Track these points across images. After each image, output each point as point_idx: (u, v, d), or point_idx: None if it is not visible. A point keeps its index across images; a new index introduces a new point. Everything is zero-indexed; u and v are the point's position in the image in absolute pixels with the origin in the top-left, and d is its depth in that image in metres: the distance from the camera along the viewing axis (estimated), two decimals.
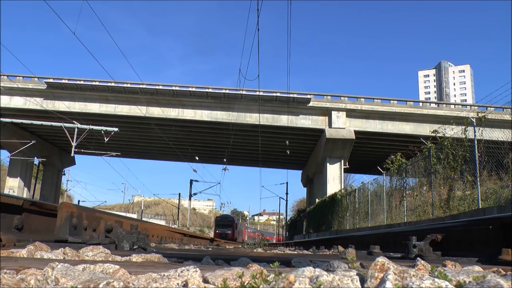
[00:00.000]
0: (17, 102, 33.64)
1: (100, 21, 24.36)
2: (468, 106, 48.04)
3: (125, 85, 33.36)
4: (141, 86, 33.00)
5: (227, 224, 49.86)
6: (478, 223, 5.25)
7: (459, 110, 33.53)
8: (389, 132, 33.79)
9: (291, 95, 33.01)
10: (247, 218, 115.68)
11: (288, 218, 59.47)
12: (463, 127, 12.37)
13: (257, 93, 32.13)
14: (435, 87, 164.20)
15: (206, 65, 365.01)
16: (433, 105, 37.55)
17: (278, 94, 33.36)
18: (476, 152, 11.26)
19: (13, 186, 38.00)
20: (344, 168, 34.28)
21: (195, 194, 51.36)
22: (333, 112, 33.76)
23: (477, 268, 2.15)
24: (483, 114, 12.03)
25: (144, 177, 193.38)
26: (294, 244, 17.92)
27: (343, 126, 33.56)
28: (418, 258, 2.10)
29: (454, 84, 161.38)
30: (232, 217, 54.81)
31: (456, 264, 2.56)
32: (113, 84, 32.85)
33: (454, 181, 12.73)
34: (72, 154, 27.63)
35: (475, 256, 4.43)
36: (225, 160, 41.23)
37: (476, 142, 11.37)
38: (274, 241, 46.94)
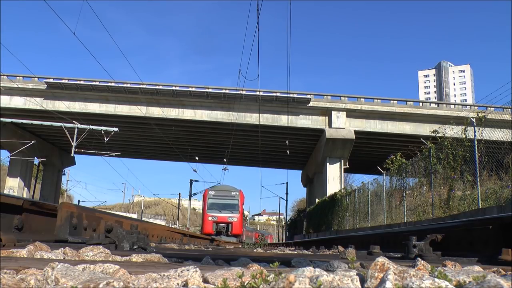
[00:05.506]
0: (17, 102, 33.65)
1: (100, 21, 24.36)
2: (468, 106, 48.03)
3: (125, 85, 33.37)
4: (141, 86, 33.02)
5: (229, 204, 28.89)
6: (478, 223, 5.25)
7: (459, 110, 33.53)
8: (389, 132, 33.80)
9: (291, 95, 33.01)
10: (247, 218, 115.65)
11: (288, 218, 59.44)
12: (463, 127, 12.39)
13: (257, 93, 32.13)
14: (435, 87, 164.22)
15: (206, 65, 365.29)
16: (433, 105, 37.57)
17: (278, 94, 33.36)
18: (476, 152, 11.28)
19: (13, 186, 38.02)
20: (344, 168, 34.30)
21: (195, 194, 51.24)
22: (333, 112, 33.77)
23: (477, 268, 2.15)
24: (483, 114, 12.05)
25: (144, 177, 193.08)
26: (294, 244, 17.91)
27: (343, 126, 33.57)
28: (418, 258, 2.10)
29: (454, 84, 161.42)
30: (238, 190, 30.19)
31: (456, 264, 2.56)
32: (113, 84, 32.86)
33: (454, 181, 12.74)
34: (72, 154, 27.63)
35: (475, 256, 4.42)
36: (225, 160, 41.15)
37: (476, 142, 11.38)
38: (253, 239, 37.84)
